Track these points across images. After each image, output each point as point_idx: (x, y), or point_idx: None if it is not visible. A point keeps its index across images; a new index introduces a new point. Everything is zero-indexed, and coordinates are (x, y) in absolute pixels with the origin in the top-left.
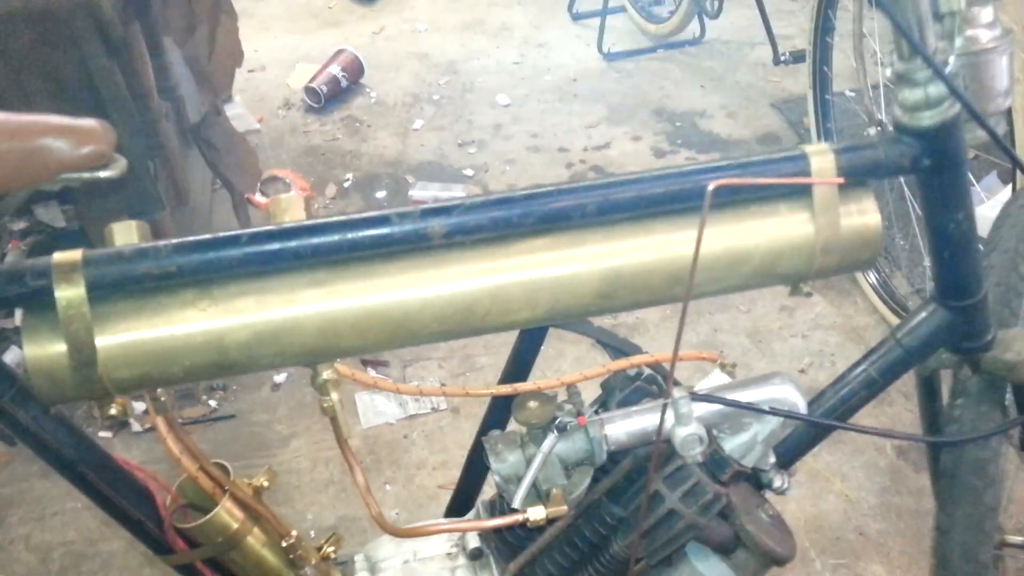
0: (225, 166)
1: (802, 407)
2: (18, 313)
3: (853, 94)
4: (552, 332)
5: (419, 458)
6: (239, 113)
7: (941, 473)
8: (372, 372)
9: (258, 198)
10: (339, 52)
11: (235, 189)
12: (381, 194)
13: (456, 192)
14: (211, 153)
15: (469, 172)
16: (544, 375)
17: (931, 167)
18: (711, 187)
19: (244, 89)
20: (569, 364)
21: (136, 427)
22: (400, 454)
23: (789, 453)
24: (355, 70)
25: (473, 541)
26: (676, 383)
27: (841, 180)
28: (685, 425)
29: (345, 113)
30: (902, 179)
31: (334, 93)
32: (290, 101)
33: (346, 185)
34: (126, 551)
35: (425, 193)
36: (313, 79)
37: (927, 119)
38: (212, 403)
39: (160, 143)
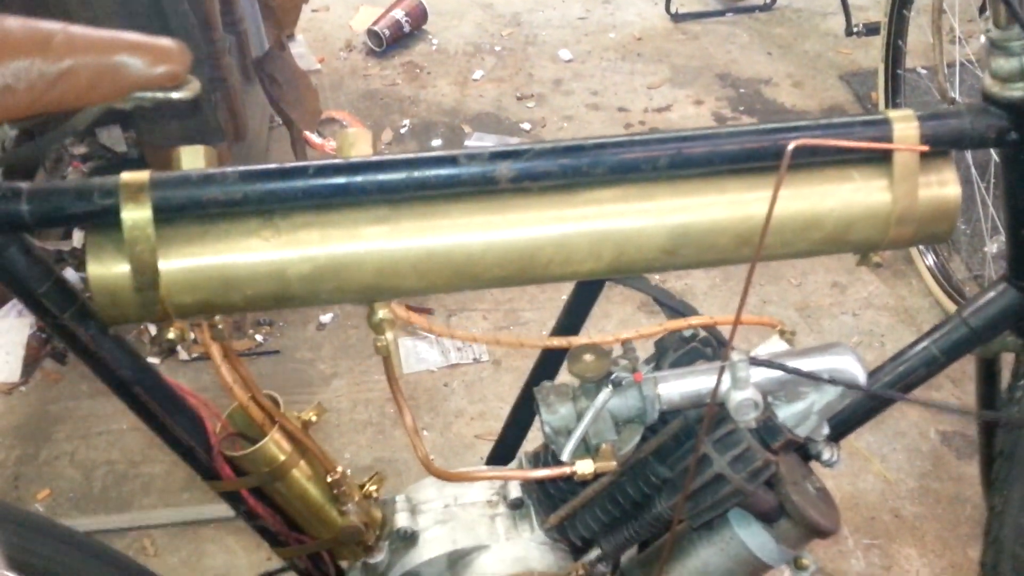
0: (286, 102)
1: (862, 379)
2: (76, 234)
3: (925, 71)
4: (601, 291)
5: (458, 407)
6: (301, 52)
7: (997, 454)
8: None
9: (315, 139)
10: None
11: (294, 126)
12: (437, 142)
13: None
14: (273, 88)
15: (526, 126)
16: (589, 334)
17: (1018, 141)
18: (791, 147)
19: (307, 29)
20: (615, 325)
21: (183, 355)
22: (439, 401)
23: (842, 426)
24: (418, 16)
25: (515, 491)
26: (733, 347)
27: (926, 148)
28: (741, 389)
29: (406, 59)
30: (969, 160)
31: (396, 38)
32: (352, 43)
33: (403, 131)
34: (167, 474)
35: (481, 144)
36: (376, 22)
37: (1019, 90)
38: (258, 337)
39: (222, 76)
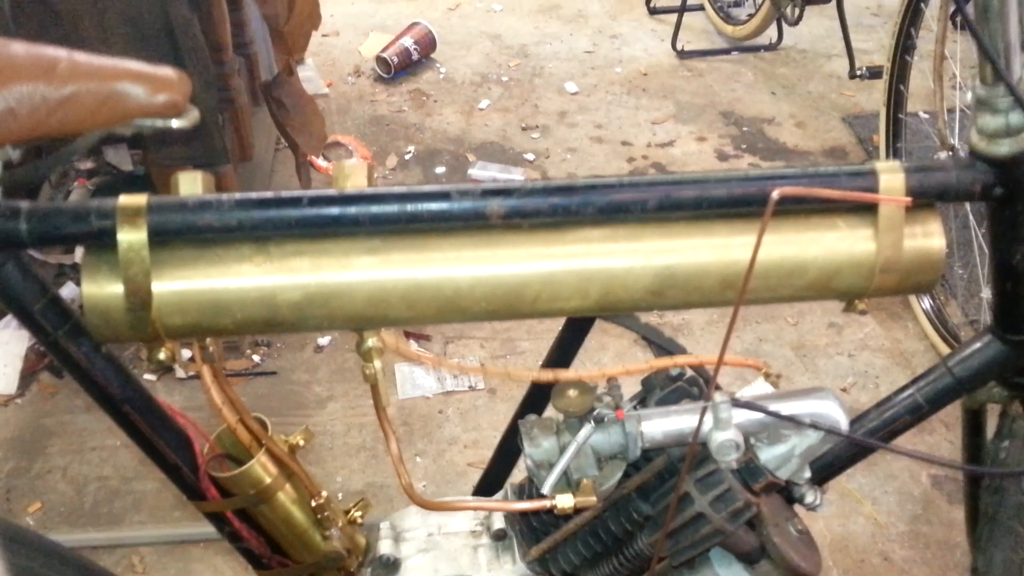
0: (292, 126)
1: (844, 425)
2: (79, 250)
3: (927, 116)
4: (597, 325)
5: (452, 434)
6: (309, 76)
7: (981, 515)
8: (414, 345)
9: (320, 162)
10: (413, 25)
11: (299, 150)
12: (441, 170)
13: (515, 175)
14: (280, 112)
15: (530, 156)
16: (585, 367)
17: (1003, 196)
18: (775, 195)
19: (317, 53)
20: (611, 358)
21: (180, 373)
22: (433, 428)
23: (825, 470)
24: (427, 44)
25: (498, 522)
26: (718, 387)
27: (909, 201)
28: (723, 430)
29: (413, 86)
30: (968, 206)
31: (404, 65)
32: (360, 69)
33: (407, 157)
34: (158, 492)
35: (484, 173)
36: (385, 49)
37: (1004, 147)
38: (256, 358)
39: (230, 97)
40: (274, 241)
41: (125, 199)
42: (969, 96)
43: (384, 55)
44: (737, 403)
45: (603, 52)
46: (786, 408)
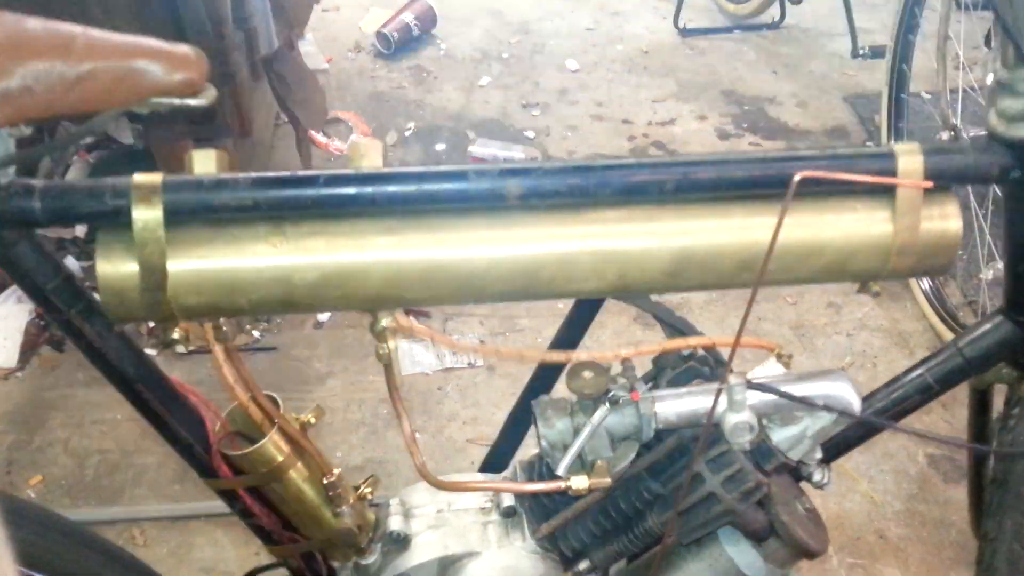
0: (293, 101)
1: (857, 406)
2: (79, 225)
3: (929, 96)
4: None
5: (451, 411)
6: (310, 51)
7: (989, 482)
8: (414, 321)
9: (320, 138)
10: (414, 0)
11: (300, 125)
12: (441, 147)
13: (516, 153)
14: (281, 87)
15: (530, 134)
16: (584, 344)
17: (1020, 178)
18: (796, 178)
19: (317, 28)
20: (609, 335)
21: (181, 348)
22: (433, 405)
23: (834, 449)
24: (428, 20)
25: (508, 499)
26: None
27: (929, 184)
28: (737, 412)
29: (413, 62)
30: (968, 188)
31: (405, 41)
32: (360, 44)
33: (407, 134)
34: (159, 466)
35: (485, 150)
36: (385, 25)
37: (1023, 130)
38: (256, 334)
39: (230, 72)
40: (290, 221)
41: (140, 178)
42: (980, 77)
43: (384, 31)
44: (751, 385)
45: (604, 29)
46: (799, 390)
